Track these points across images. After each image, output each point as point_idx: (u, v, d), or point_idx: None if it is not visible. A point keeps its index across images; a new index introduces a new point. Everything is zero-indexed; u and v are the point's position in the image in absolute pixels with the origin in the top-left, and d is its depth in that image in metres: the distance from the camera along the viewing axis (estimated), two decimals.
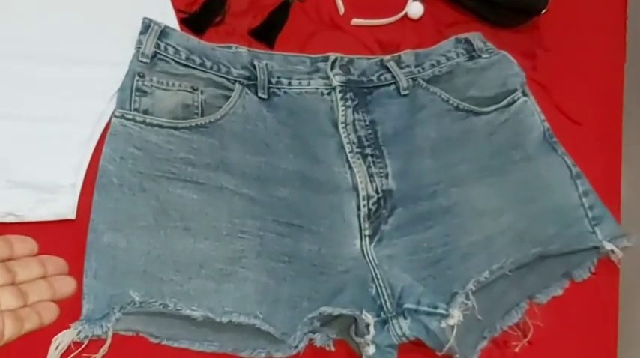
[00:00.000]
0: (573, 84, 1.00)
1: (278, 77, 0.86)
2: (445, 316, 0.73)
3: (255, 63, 0.85)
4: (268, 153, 0.81)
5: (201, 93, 0.81)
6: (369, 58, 0.91)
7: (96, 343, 0.66)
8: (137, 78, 0.79)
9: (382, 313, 0.75)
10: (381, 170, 0.84)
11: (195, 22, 0.89)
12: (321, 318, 0.74)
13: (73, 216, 0.74)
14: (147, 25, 0.82)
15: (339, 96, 0.86)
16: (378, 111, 0.87)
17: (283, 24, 0.93)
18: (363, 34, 0.96)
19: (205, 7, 0.90)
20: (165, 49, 0.82)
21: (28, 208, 0.73)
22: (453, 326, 0.73)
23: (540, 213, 0.86)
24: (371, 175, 0.83)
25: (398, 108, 0.88)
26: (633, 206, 0.92)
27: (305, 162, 0.82)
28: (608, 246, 0.84)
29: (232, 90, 0.82)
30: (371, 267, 0.78)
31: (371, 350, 0.73)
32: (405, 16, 0.99)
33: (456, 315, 0.73)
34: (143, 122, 0.77)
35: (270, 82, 0.85)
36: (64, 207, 0.74)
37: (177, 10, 0.89)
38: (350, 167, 0.83)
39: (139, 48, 0.81)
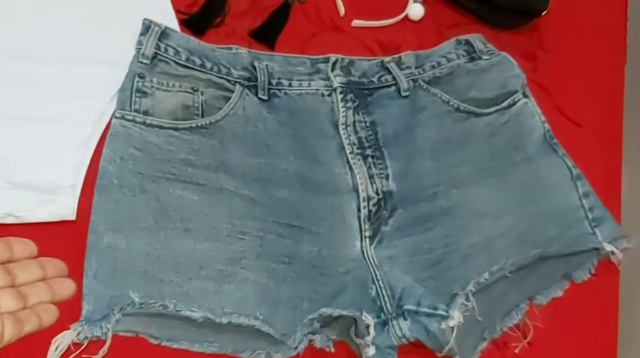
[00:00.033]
0: (574, 85, 1.00)
1: (278, 78, 0.86)
2: (445, 317, 0.73)
3: (256, 64, 0.85)
4: (268, 155, 0.81)
5: (202, 94, 0.81)
6: (369, 59, 0.91)
7: (95, 344, 0.66)
8: (137, 79, 0.79)
9: (382, 314, 0.74)
10: (382, 171, 0.84)
11: (196, 23, 0.89)
12: (321, 319, 0.74)
13: (73, 217, 0.74)
14: (147, 26, 0.82)
15: (340, 97, 0.86)
16: (379, 112, 0.87)
17: (284, 25, 0.93)
18: (364, 35, 0.96)
19: (205, 8, 0.90)
20: (166, 50, 0.82)
21: (27, 209, 0.72)
22: (453, 328, 0.73)
23: (541, 214, 0.85)
24: (371, 176, 0.83)
25: (398, 109, 0.88)
26: (633, 207, 0.92)
27: (305, 163, 0.82)
28: (609, 248, 0.84)
29: (233, 92, 0.82)
30: (371, 268, 0.77)
31: (371, 351, 0.73)
32: (406, 17, 0.99)
33: (456, 317, 0.73)
34: (143, 123, 0.77)
35: (270, 83, 0.85)
36: (64, 207, 0.74)
37: (178, 11, 0.88)
38: (350, 168, 0.83)
39: (139, 49, 0.81)
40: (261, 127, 0.82)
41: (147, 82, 0.79)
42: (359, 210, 0.81)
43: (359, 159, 0.83)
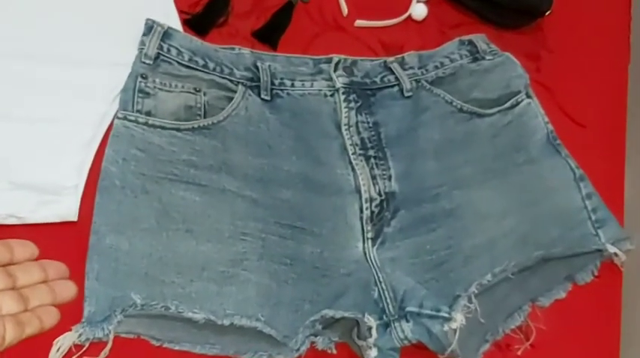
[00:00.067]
0: (577, 86, 1.00)
1: (281, 78, 0.86)
2: (448, 319, 0.73)
3: (259, 64, 0.85)
4: (271, 155, 0.81)
5: (204, 94, 0.81)
6: (372, 60, 0.91)
7: (97, 346, 0.66)
8: (140, 79, 0.79)
9: (384, 316, 0.74)
10: (384, 172, 0.83)
11: (199, 23, 0.89)
12: (323, 321, 0.74)
13: (75, 218, 0.74)
14: (150, 26, 0.82)
15: (342, 97, 0.86)
16: (381, 112, 0.87)
17: (286, 25, 0.93)
18: (367, 35, 0.96)
19: (208, 8, 0.90)
20: (168, 50, 0.82)
21: (29, 210, 0.72)
22: (455, 330, 0.73)
23: (543, 215, 0.85)
24: (374, 177, 0.83)
25: (401, 110, 0.88)
26: (637, 208, 0.92)
27: (308, 164, 0.82)
28: (612, 249, 0.84)
29: (235, 92, 0.82)
30: (373, 270, 0.77)
31: (373, 353, 0.73)
32: (409, 17, 0.99)
33: (459, 319, 0.73)
34: (146, 124, 0.76)
35: (273, 84, 0.85)
36: (66, 208, 0.74)
37: (180, 11, 0.88)
38: (353, 169, 0.83)
39: (142, 49, 0.81)
40: (263, 128, 0.82)
41: (149, 82, 0.79)
42: (361, 211, 0.81)
43: (361, 160, 0.83)
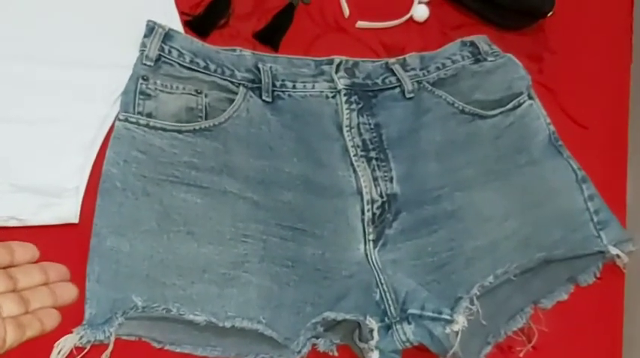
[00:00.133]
0: (579, 87, 1.00)
1: (282, 80, 0.85)
2: (449, 321, 0.73)
3: (260, 66, 0.85)
4: (272, 157, 0.81)
5: (205, 96, 0.81)
6: (373, 61, 0.91)
7: (98, 348, 0.66)
8: (141, 81, 0.79)
9: (386, 318, 0.74)
10: (386, 174, 0.83)
11: (200, 24, 0.89)
12: (324, 323, 0.74)
13: (76, 220, 0.74)
14: (151, 28, 0.82)
15: (344, 99, 0.86)
16: (383, 114, 0.87)
17: (288, 27, 0.93)
18: (368, 36, 0.96)
19: (210, 9, 0.90)
20: (170, 51, 0.82)
21: (30, 212, 0.72)
22: (457, 332, 0.73)
23: (545, 217, 0.85)
24: (375, 179, 0.83)
25: (403, 111, 0.88)
26: (639, 210, 0.92)
27: (309, 165, 0.82)
28: (614, 251, 0.84)
29: (236, 94, 0.82)
30: (375, 272, 0.77)
31: (374, 355, 0.72)
32: (411, 18, 0.99)
33: (461, 321, 0.73)
34: (147, 125, 0.76)
35: (274, 85, 0.84)
36: (66, 211, 0.74)
37: (182, 13, 0.88)
38: (354, 171, 0.83)
39: (143, 51, 0.80)
40: (264, 129, 0.82)
41: (150, 84, 0.79)
42: (363, 213, 0.81)
43: (363, 162, 0.83)
